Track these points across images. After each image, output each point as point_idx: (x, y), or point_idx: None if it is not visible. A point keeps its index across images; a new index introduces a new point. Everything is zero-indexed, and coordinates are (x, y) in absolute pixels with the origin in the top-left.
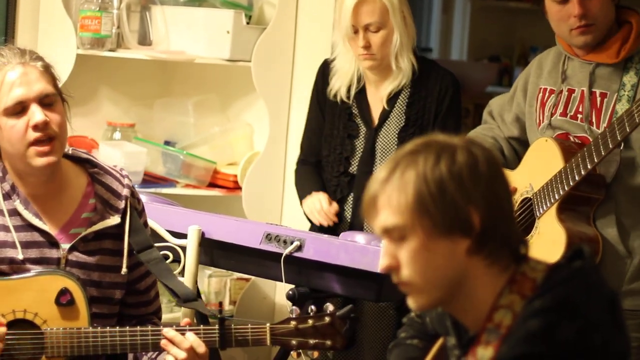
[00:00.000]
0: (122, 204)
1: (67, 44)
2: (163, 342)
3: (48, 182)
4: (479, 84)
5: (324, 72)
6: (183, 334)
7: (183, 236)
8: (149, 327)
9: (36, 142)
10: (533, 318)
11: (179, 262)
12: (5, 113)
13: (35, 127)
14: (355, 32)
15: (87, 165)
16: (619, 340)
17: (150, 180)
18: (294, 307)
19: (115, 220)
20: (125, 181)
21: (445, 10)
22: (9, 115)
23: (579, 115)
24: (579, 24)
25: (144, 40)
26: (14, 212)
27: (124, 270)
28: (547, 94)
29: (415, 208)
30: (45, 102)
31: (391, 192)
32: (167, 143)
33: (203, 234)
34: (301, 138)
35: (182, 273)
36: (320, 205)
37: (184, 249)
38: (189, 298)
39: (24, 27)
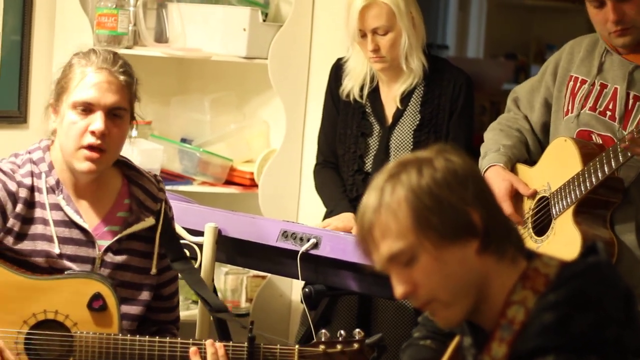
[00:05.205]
0: (157, 206)
1: (84, 42)
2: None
3: (90, 181)
4: (495, 81)
5: (337, 71)
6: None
7: (200, 234)
8: (178, 340)
9: (88, 147)
10: (547, 311)
11: (196, 259)
12: (73, 106)
13: (92, 133)
14: (364, 35)
15: (124, 167)
16: (634, 336)
17: (166, 177)
18: (323, 331)
19: (150, 221)
20: (161, 185)
21: (462, 8)
22: (75, 110)
23: (608, 112)
24: (616, 28)
25: (161, 37)
26: (55, 207)
27: (153, 270)
28: (578, 84)
29: (416, 225)
30: (113, 113)
31: (386, 219)
32: (183, 140)
33: (219, 231)
34: (318, 139)
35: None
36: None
37: (200, 246)
38: (221, 309)
39: (40, 24)
